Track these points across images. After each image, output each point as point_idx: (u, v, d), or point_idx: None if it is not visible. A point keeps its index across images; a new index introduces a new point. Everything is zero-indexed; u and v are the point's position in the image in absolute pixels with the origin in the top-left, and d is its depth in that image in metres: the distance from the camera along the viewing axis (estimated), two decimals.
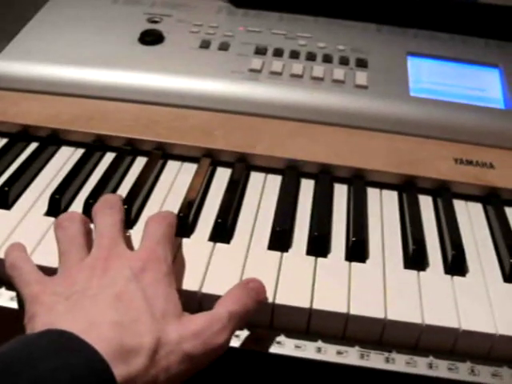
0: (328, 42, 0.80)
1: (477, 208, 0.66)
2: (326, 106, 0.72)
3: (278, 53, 0.78)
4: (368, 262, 0.57)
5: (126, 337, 0.42)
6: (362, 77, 0.75)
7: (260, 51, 0.78)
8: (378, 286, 0.54)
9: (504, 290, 0.56)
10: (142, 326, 0.43)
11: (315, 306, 0.51)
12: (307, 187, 0.67)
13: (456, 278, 0.56)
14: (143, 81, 0.73)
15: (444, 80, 0.77)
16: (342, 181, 0.68)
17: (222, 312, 0.46)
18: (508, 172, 0.67)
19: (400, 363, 0.51)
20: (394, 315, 0.51)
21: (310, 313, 0.51)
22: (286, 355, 0.52)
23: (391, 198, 0.67)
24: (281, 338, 0.53)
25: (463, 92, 0.75)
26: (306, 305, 0.51)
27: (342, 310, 0.51)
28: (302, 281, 0.54)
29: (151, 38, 0.79)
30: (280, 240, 0.58)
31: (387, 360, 0.52)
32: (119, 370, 0.39)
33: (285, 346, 0.52)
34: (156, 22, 0.83)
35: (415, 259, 0.57)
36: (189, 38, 0.80)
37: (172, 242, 0.52)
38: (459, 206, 0.66)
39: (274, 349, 0.52)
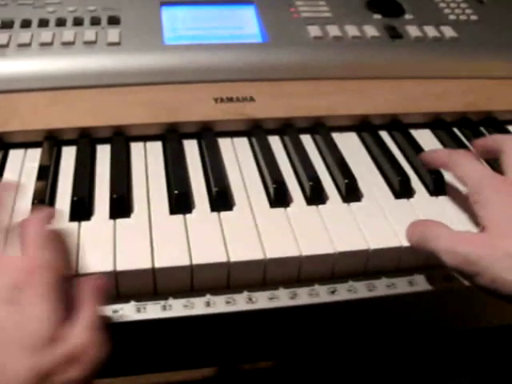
0: (78, 5, 0.77)
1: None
2: (81, 69, 0.70)
3: (26, 24, 0.73)
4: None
5: None
6: (113, 34, 0.72)
7: (6, 25, 0.73)
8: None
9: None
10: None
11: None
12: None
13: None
14: None
15: (200, 24, 0.76)
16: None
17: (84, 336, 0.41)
18: (267, 102, 0.67)
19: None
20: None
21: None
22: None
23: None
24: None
25: (220, 33, 0.75)
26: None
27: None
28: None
29: None
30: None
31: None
32: None
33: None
34: None
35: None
36: None
37: (56, 241, 0.45)
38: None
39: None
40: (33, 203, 0.55)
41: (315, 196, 0.58)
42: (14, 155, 0.64)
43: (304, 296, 0.54)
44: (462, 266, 0.47)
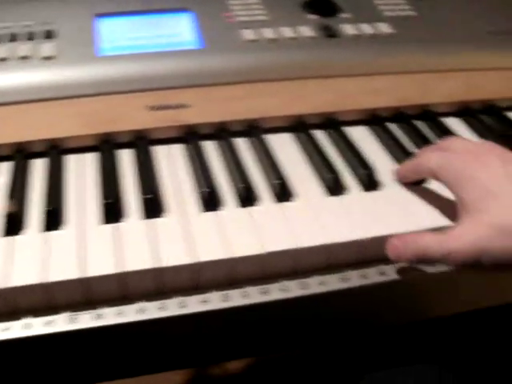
0: (14, 22, 0.76)
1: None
2: (15, 85, 0.69)
3: None
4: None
5: None
6: (48, 48, 0.72)
7: None
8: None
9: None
10: None
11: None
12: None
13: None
14: None
15: (137, 34, 0.77)
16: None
17: None
18: (202, 108, 0.68)
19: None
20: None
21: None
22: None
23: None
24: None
25: (157, 41, 0.75)
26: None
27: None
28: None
29: None
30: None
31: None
32: None
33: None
34: None
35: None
36: None
37: None
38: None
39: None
40: None
41: (247, 198, 0.58)
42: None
43: (236, 298, 0.53)
44: (464, 261, 0.48)
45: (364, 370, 0.62)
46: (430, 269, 0.56)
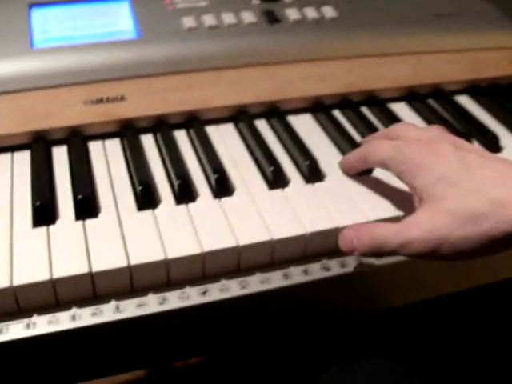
0: None
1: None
2: None
3: None
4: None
5: None
6: None
7: None
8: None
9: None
10: None
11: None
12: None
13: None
14: None
15: (72, 25, 0.74)
16: None
17: None
18: (139, 100, 0.65)
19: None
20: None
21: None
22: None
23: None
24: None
25: (93, 32, 0.72)
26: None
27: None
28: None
29: None
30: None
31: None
32: None
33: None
34: None
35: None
36: None
37: None
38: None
39: None
40: None
41: (184, 194, 0.56)
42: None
43: (174, 300, 0.51)
44: (421, 251, 0.46)
45: (324, 364, 0.60)
46: (385, 260, 0.55)
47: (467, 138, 0.67)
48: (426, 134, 0.52)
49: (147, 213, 0.55)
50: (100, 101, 0.65)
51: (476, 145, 0.67)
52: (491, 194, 0.44)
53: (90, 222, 0.54)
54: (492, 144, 0.66)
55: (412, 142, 0.51)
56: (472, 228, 0.44)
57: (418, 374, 0.58)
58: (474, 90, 0.76)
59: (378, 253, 0.49)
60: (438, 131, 0.53)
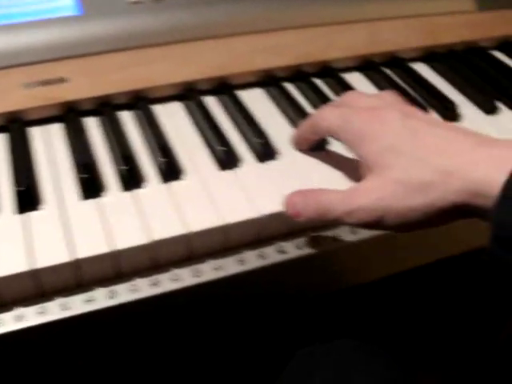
0: None
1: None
2: None
3: None
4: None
5: None
6: None
7: None
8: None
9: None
10: None
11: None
12: None
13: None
14: None
15: (7, 1, 0.69)
16: None
17: None
18: (82, 81, 0.61)
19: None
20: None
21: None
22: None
23: None
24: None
25: (29, 9, 0.68)
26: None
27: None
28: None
29: None
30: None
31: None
32: None
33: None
34: None
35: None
36: None
37: None
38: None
39: None
40: None
41: (131, 180, 0.53)
42: None
43: (124, 293, 0.49)
44: (367, 219, 0.45)
45: (288, 350, 0.59)
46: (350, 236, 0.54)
47: (424, 106, 0.65)
48: (375, 101, 0.51)
49: (93, 201, 0.52)
50: (41, 83, 0.62)
51: (433, 114, 0.64)
52: (438, 163, 0.43)
53: (32, 215, 0.51)
54: (450, 112, 0.64)
55: (359, 110, 0.49)
56: (419, 198, 0.43)
57: (383, 352, 0.56)
58: (431, 57, 0.74)
59: (323, 219, 0.47)
60: (390, 98, 0.51)
